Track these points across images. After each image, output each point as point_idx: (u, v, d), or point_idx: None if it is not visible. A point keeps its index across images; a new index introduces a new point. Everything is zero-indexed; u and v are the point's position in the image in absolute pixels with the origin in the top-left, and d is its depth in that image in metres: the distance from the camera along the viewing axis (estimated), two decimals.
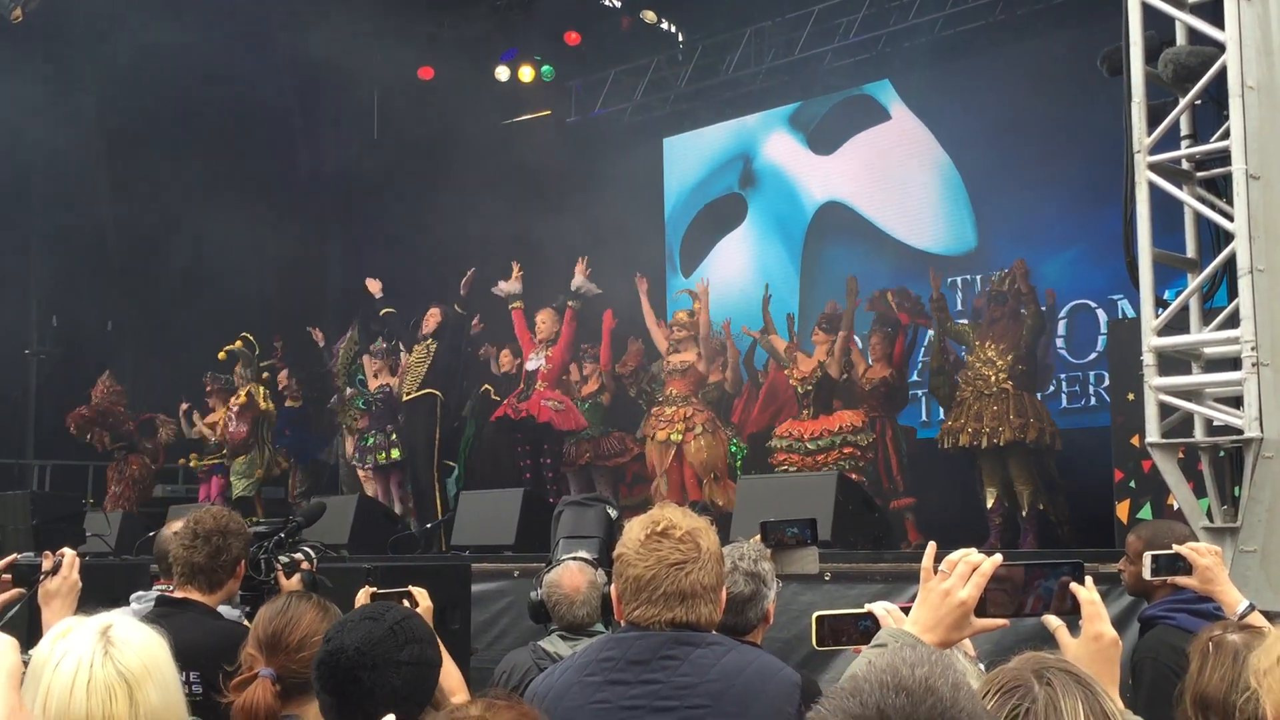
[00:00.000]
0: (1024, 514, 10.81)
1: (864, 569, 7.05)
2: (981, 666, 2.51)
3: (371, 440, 13.42)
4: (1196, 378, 6.26)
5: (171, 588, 4.41)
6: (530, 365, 13.09)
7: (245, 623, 4.02)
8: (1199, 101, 6.44)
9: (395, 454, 13.22)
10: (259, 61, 15.29)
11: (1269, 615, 3.82)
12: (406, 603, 3.83)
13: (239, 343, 14.48)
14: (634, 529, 3.02)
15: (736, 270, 16.61)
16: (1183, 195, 6.43)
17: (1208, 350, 6.24)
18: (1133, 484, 8.35)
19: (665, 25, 16.68)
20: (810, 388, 11.78)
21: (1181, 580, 3.94)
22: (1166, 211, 6.54)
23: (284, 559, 4.48)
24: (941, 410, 13.23)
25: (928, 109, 15.07)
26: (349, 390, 14.17)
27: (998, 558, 2.30)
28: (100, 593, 3.95)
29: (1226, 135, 6.09)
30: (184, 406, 15.05)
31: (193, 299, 16.06)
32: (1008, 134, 13.79)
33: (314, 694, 3.15)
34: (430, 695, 2.83)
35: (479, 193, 15.67)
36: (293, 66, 15.63)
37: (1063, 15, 13.27)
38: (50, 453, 15.71)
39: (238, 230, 14.67)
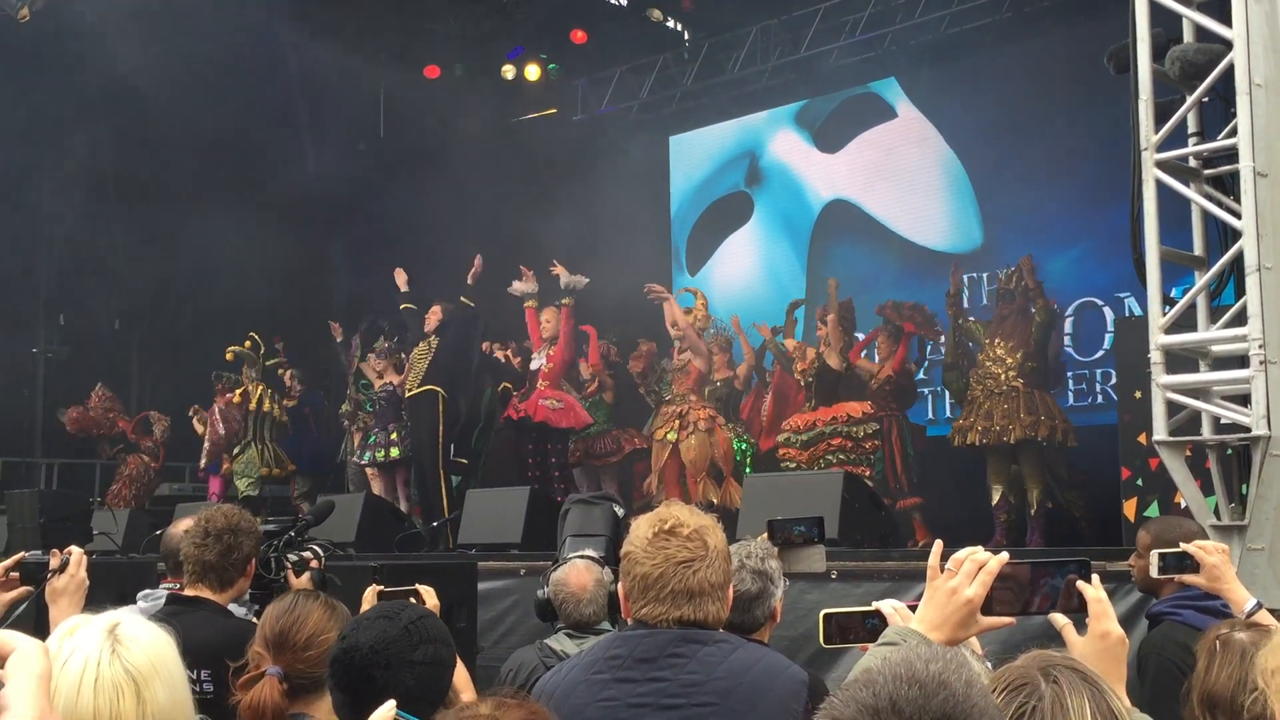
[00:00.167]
0: (1032, 511, 10.79)
1: (870, 567, 7.05)
2: (989, 665, 2.51)
3: (374, 438, 13.47)
4: (1204, 375, 6.24)
5: (178, 585, 4.41)
6: (533, 364, 13.17)
7: (255, 621, 4.02)
8: (1206, 99, 6.43)
9: (395, 452, 13.26)
10: (264, 61, 15.29)
11: (1276, 613, 3.81)
12: (413, 600, 3.83)
13: (247, 343, 14.49)
14: (641, 527, 3.02)
15: (742, 268, 16.62)
16: (1190, 193, 6.42)
17: (1215, 348, 6.23)
18: (1140, 482, 8.35)
19: (671, 23, 16.68)
20: (811, 379, 11.83)
21: (1189, 578, 3.93)
22: (1174, 209, 6.53)
23: (293, 557, 4.49)
24: (948, 408, 13.28)
25: (933, 106, 15.06)
26: (357, 396, 14.21)
27: (1004, 556, 2.30)
28: (107, 591, 3.96)
29: (1234, 133, 6.07)
30: (192, 410, 15.06)
31: (199, 298, 16.09)
32: (1014, 131, 13.78)
33: (322, 692, 3.16)
34: (444, 696, 2.83)
35: (485, 191, 15.68)
36: (297, 66, 15.63)
37: (1069, 12, 13.25)
38: (57, 451, 15.74)
39: (243, 229, 14.68)
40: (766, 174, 16.64)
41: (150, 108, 14.39)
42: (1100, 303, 13.41)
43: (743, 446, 12.67)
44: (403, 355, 13.55)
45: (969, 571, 2.28)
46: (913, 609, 2.37)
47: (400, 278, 13.41)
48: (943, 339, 12.11)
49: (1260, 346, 5.80)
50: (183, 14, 13.26)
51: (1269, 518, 5.83)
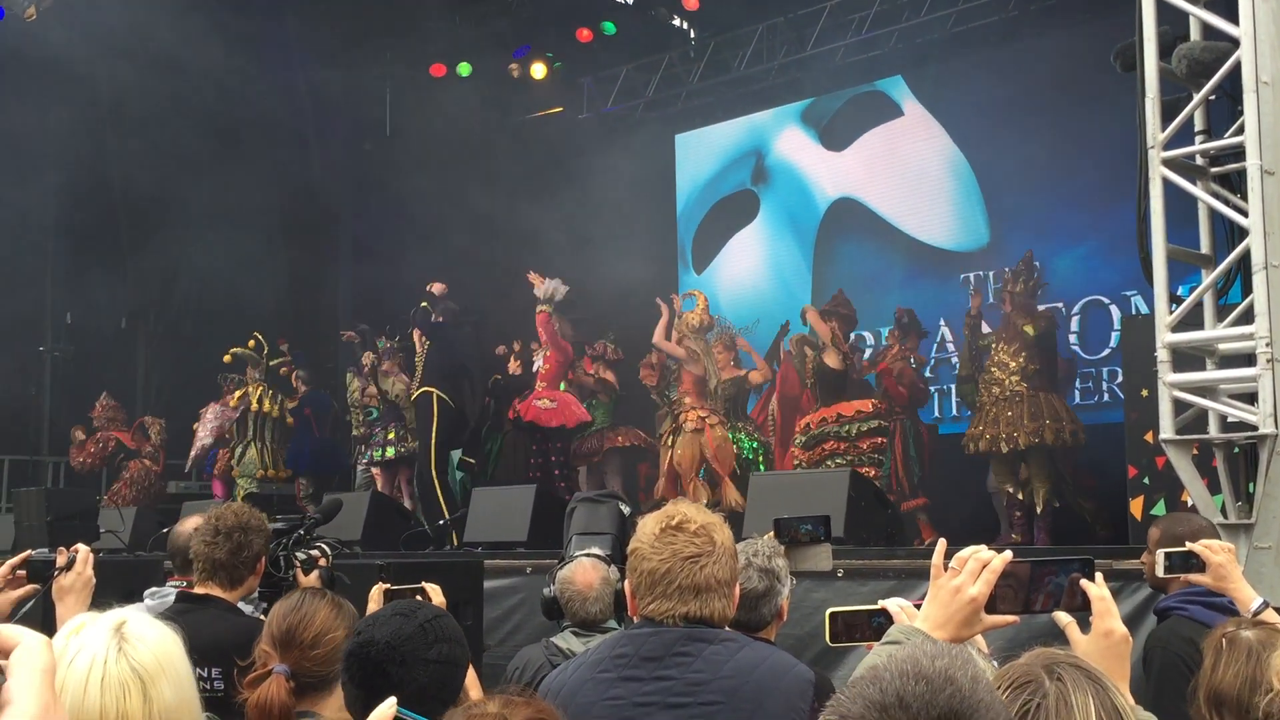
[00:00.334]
0: (1040, 510, 10.80)
1: (877, 565, 7.05)
2: (994, 664, 2.51)
3: (375, 437, 13.59)
4: (1211, 374, 6.23)
5: (185, 583, 4.42)
6: (534, 366, 13.37)
7: (264, 619, 4.03)
8: (1213, 97, 6.42)
9: (390, 452, 13.39)
10: (270, 60, 15.32)
11: None
12: (419, 598, 3.83)
13: (250, 343, 14.47)
14: (649, 523, 3.02)
15: (748, 266, 16.62)
16: (1197, 191, 6.41)
17: (1222, 346, 6.22)
18: (1146, 480, 8.33)
19: (677, 21, 16.68)
20: (811, 379, 11.86)
21: (1195, 578, 3.93)
22: (1180, 207, 6.52)
23: (301, 556, 4.50)
24: (954, 407, 13.33)
25: (940, 105, 15.05)
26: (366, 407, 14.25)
27: (1007, 554, 2.30)
28: (114, 589, 3.95)
29: (1241, 130, 6.07)
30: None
31: (205, 297, 16.11)
32: (1020, 129, 13.76)
33: (329, 690, 3.17)
34: (456, 695, 2.83)
35: (491, 189, 15.69)
36: (305, 65, 15.65)
37: (1075, 10, 13.23)
38: (64, 449, 15.76)
39: (249, 228, 14.70)
40: (772, 172, 16.63)
41: (156, 105, 14.41)
42: (1107, 301, 13.40)
43: (754, 445, 12.66)
44: (402, 355, 13.64)
45: (973, 570, 2.28)
46: (919, 607, 2.37)
47: (437, 288, 13.38)
48: (953, 351, 12.14)
49: (1267, 345, 5.79)
50: (188, 13, 13.27)
51: (1276, 516, 5.82)
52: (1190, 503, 6.42)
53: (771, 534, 4.11)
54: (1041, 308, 11.47)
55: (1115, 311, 13.22)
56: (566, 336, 13.37)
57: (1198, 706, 2.96)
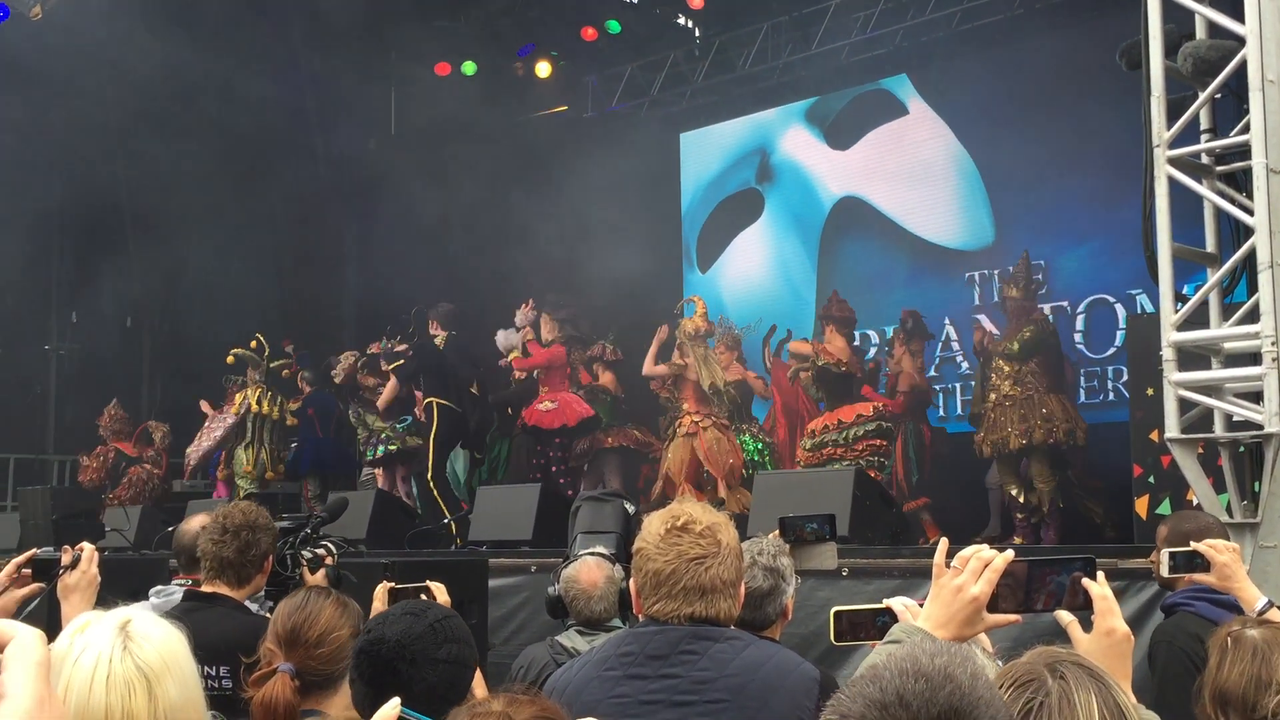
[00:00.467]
0: (1044, 509, 10.80)
1: (881, 564, 7.04)
2: (999, 663, 2.51)
3: (373, 437, 13.67)
4: (1216, 373, 6.22)
5: (191, 582, 4.43)
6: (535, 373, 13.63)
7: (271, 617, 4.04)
8: (1219, 95, 6.41)
9: (391, 448, 13.42)
10: (276, 59, 15.33)
11: None
12: (424, 597, 3.83)
13: (253, 344, 14.44)
14: (654, 523, 3.02)
15: (753, 265, 16.61)
16: (1202, 189, 6.40)
17: (1227, 345, 6.21)
18: (1152, 479, 8.32)
19: (682, 20, 16.67)
20: (814, 388, 11.89)
21: (1199, 577, 3.93)
22: (1186, 206, 6.51)
23: (308, 554, 4.50)
24: (960, 406, 13.37)
25: (945, 103, 15.03)
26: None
27: (1009, 554, 2.30)
28: (119, 587, 3.96)
29: (1246, 129, 6.06)
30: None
31: (211, 296, 16.12)
32: (1025, 128, 13.74)
33: (334, 689, 3.17)
34: (464, 696, 2.83)
35: (495, 188, 15.69)
36: (310, 63, 15.66)
37: (1080, 9, 13.21)
38: (70, 448, 15.78)
39: (255, 226, 14.71)
40: (777, 171, 16.62)
41: (162, 105, 14.43)
42: (1112, 300, 13.38)
43: (759, 446, 12.66)
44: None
45: (974, 569, 2.28)
46: (923, 606, 2.37)
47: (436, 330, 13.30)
48: (957, 350, 12.14)
49: (1273, 344, 5.78)
50: (193, 13, 13.29)
51: None
52: (1196, 502, 6.41)
53: (777, 532, 4.12)
54: (1047, 307, 11.45)
55: (1120, 310, 13.21)
56: (555, 336, 13.34)
57: (1203, 705, 2.96)
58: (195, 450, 14.73)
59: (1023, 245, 12.85)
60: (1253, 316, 5.95)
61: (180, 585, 4.59)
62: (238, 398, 14.48)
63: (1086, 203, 13.17)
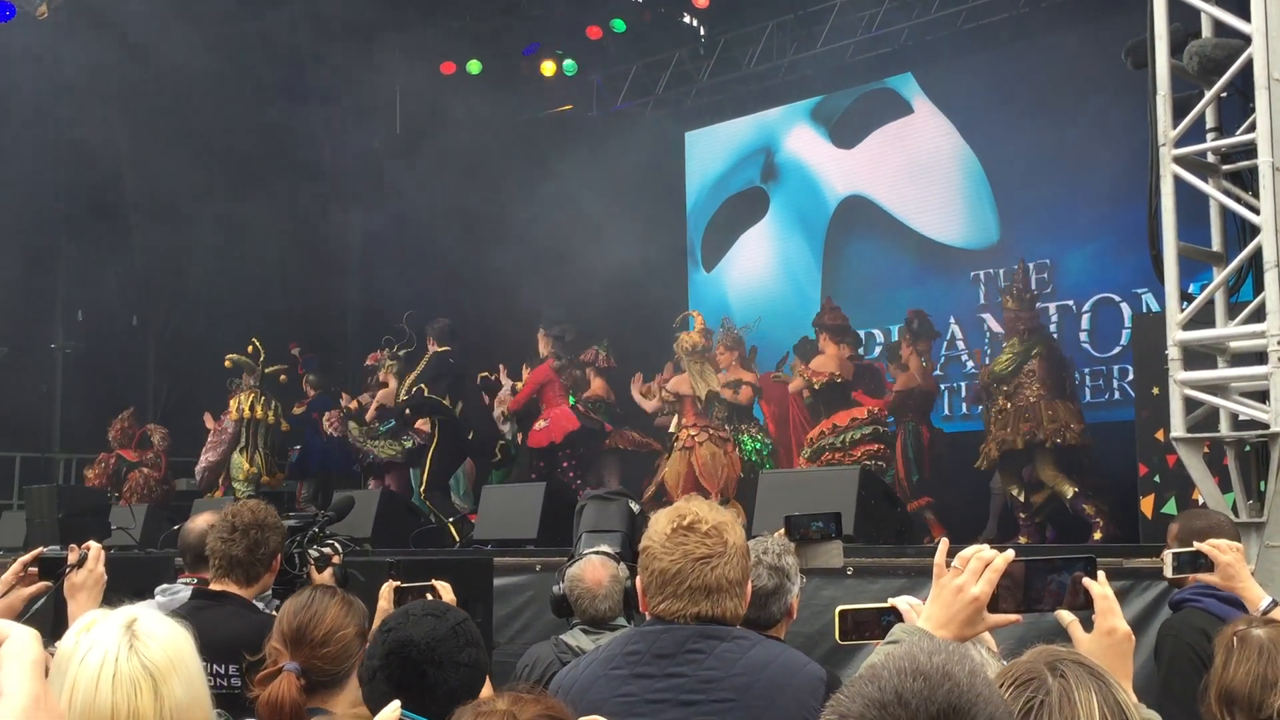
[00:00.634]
0: (1048, 509, 10.82)
1: (886, 564, 7.03)
2: (1003, 663, 2.50)
3: (370, 444, 13.69)
4: (1222, 372, 6.21)
5: (196, 580, 4.43)
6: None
7: None
8: (1225, 94, 6.40)
9: (388, 453, 13.47)
10: (282, 59, 15.34)
11: None
12: (430, 596, 3.83)
13: (250, 348, 14.40)
14: (660, 522, 3.02)
15: (758, 264, 16.62)
16: (1208, 188, 6.39)
17: (1233, 344, 6.20)
18: (1157, 479, 8.30)
19: (687, 19, 16.67)
20: (809, 400, 11.91)
21: (1204, 577, 3.93)
22: (1192, 205, 6.50)
23: (315, 553, 4.51)
24: (964, 406, 13.35)
25: (950, 102, 15.03)
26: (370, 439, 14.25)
27: (1010, 553, 2.30)
28: (125, 586, 3.96)
29: (1253, 128, 6.05)
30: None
31: (216, 296, 16.13)
32: (1031, 127, 13.74)
33: (340, 687, 3.16)
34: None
35: (500, 187, 15.70)
36: (315, 62, 15.66)
37: (1086, 8, 13.20)
38: (76, 447, 15.80)
39: (260, 224, 14.71)
40: (782, 170, 16.62)
41: (167, 105, 14.44)
42: (1118, 299, 13.37)
43: (757, 445, 12.65)
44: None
45: (974, 570, 2.28)
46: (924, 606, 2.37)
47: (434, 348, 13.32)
48: (962, 349, 12.12)
49: (1279, 343, 5.77)
50: (198, 11, 13.29)
51: None
52: (1201, 501, 6.40)
53: (782, 531, 4.11)
54: (1052, 306, 11.43)
55: (1126, 309, 13.20)
56: (549, 352, 13.28)
57: (1209, 705, 2.96)
58: (203, 466, 14.73)
59: (1028, 244, 12.85)
60: (1259, 315, 5.94)
61: (185, 584, 4.60)
62: (232, 403, 14.45)
63: (1092, 201, 13.15)
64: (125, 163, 15.61)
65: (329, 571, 4.45)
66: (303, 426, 14.67)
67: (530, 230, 14.85)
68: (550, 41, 16.75)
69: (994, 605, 2.27)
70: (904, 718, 1.43)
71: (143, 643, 2.07)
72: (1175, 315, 6.22)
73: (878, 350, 14.33)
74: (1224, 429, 6.26)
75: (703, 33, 16.73)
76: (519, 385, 13.50)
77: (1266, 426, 5.84)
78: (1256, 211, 6.00)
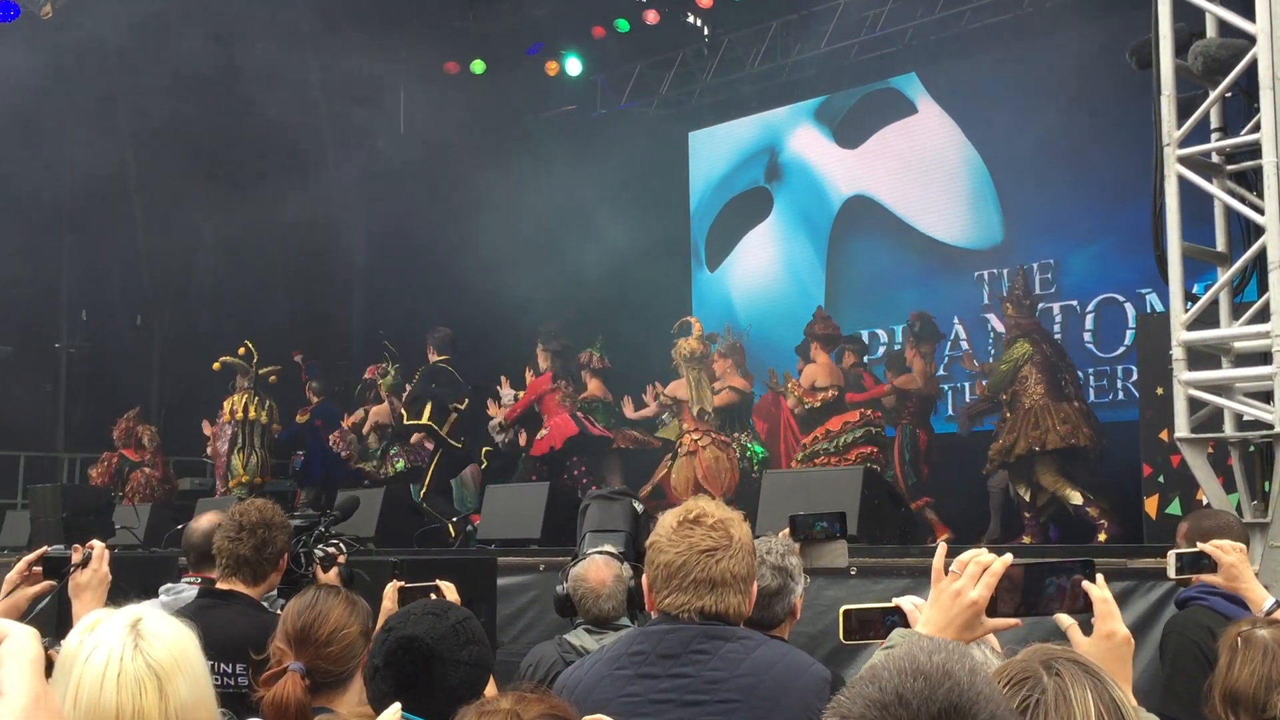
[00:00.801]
0: (1051, 510, 10.82)
1: (890, 564, 7.03)
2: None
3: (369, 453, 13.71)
4: (1226, 372, 6.21)
5: (200, 579, 4.43)
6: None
7: None
8: (1229, 94, 6.39)
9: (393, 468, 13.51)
10: (284, 59, 15.33)
11: None
12: (434, 596, 3.83)
13: (241, 350, 14.35)
14: (667, 518, 3.03)
15: (762, 264, 16.61)
16: (1212, 188, 6.39)
17: (1238, 345, 6.20)
18: (1161, 479, 8.31)
19: (691, 19, 16.67)
20: (804, 410, 11.90)
21: (1207, 578, 3.93)
22: (1196, 205, 6.50)
23: (320, 552, 4.50)
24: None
25: (954, 102, 15.02)
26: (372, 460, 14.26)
27: (1008, 557, 2.29)
28: (130, 585, 3.96)
29: (1257, 128, 6.04)
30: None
31: (220, 295, 16.14)
32: (1035, 127, 13.72)
33: (344, 687, 3.16)
34: (479, 699, 2.82)
35: (503, 187, 15.69)
36: (318, 63, 15.67)
37: (1090, 8, 13.18)
38: (80, 446, 15.82)
39: (263, 225, 14.71)
40: (786, 170, 16.62)
41: (171, 106, 14.44)
42: (1122, 299, 13.36)
43: (757, 449, 12.66)
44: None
45: (973, 574, 2.27)
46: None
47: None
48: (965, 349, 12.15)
49: None
50: (201, 12, 13.30)
51: None
52: (1205, 501, 6.39)
53: (785, 531, 4.11)
54: (1056, 306, 11.42)
55: (1130, 309, 13.19)
56: (547, 366, 13.24)
57: (1213, 705, 2.95)
58: (220, 465, 14.73)
59: (1032, 244, 12.83)
60: (1263, 316, 5.93)
61: (190, 583, 4.60)
62: (225, 405, 14.42)
63: (1096, 201, 13.15)
64: (130, 163, 15.61)
65: (334, 571, 4.45)
66: (306, 434, 14.63)
67: (530, 229, 14.84)
68: (554, 41, 16.74)
69: (993, 609, 2.26)
70: (905, 718, 1.43)
71: (147, 642, 2.07)
72: (1179, 316, 6.22)
73: (880, 350, 14.32)
74: (1228, 429, 6.25)
75: (707, 32, 16.72)
76: (520, 395, 13.48)
77: (1271, 427, 5.83)
78: (1261, 212, 5.99)
